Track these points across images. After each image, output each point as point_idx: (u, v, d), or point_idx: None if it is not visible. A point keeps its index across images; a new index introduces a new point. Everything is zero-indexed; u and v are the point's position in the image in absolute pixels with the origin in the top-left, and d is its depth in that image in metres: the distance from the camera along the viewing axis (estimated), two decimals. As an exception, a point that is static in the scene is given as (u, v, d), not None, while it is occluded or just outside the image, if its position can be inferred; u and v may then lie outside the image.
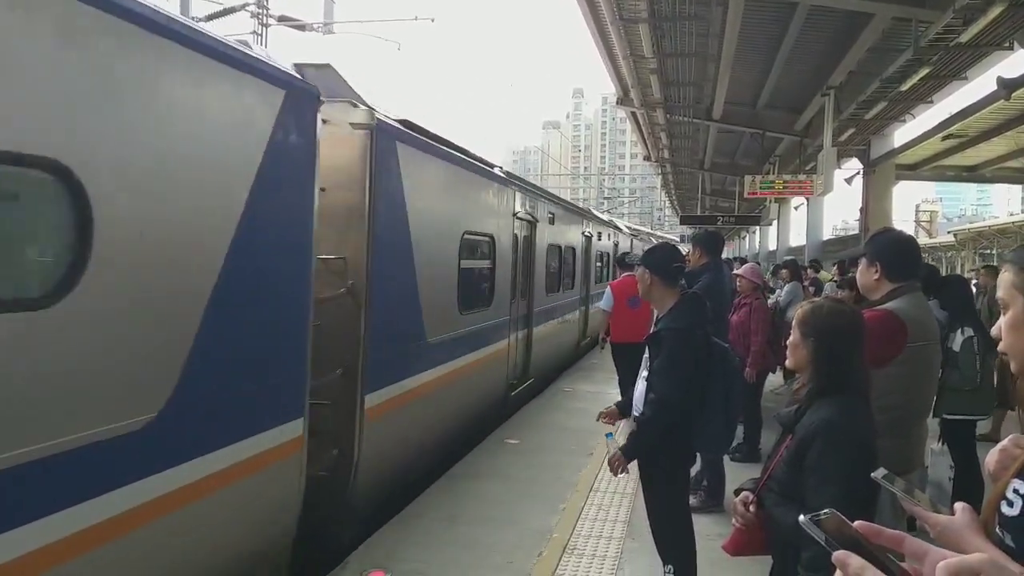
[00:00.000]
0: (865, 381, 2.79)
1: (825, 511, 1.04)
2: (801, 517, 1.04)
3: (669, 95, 15.95)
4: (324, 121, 4.84)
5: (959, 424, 6.11)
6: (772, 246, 31.30)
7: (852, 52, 11.74)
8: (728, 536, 3.04)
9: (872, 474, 1.29)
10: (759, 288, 8.02)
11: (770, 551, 2.92)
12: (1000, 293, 1.44)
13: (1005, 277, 1.43)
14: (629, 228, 27.86)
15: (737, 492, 2.95)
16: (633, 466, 4.24)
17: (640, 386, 4.23)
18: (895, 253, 3.64)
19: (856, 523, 0.99)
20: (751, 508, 2.83)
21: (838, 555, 0.94)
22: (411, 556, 5.16)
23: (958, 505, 1.12)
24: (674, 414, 4.01)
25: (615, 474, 4.15)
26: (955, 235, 33.76)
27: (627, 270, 9.60)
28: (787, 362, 2.93)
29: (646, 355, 4.25)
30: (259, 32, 16.40)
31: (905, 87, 12.41)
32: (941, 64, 11.25)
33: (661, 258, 4.33)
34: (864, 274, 3.68)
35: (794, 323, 2.88)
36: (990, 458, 1.40)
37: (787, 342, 2.92)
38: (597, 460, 7.62)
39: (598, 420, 4.51)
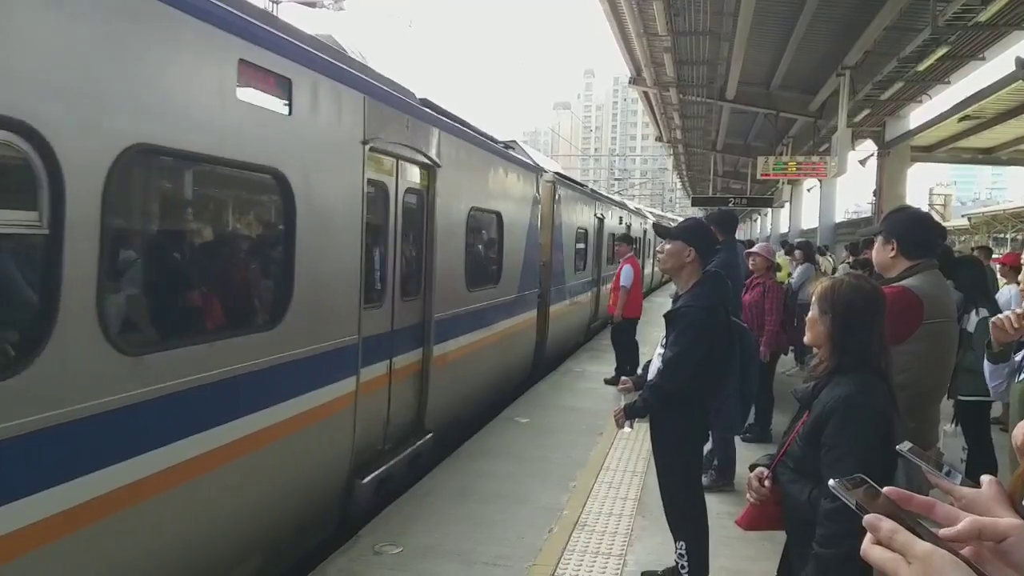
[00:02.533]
0: (884, 358, 2.76)
1: (856, 475, 1.03)
2: (831, 481, 1.03)
3: (682, 74, 15.83)
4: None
5: (973, 405, 6.08)
6: (784, 228, 31.13)
7: (869, 31, 11.60)
8: (742, 511, 3.04)
9: (898, 447, 1.28)
10: (773, 268, 7.99)
11: (784, 527, 2.93)
12: None
13: None
14: (637, 209, 27.84)
15: (752, 468, 2.94)
16: (647, 443, 4.26)
17: (656, 363, 4.24)
18: (911, 230, 3.59)
19: (886, 488, 0.98)
20: (766, 483, 2.84)
21: (869, 518, 0.92)
22: (423, 532, 5.20)
23: (984, 478, 1.11)
24: (679, 385, 4.03)
25: (619, 427, 4.35)
26: (969, 219, 33.47)
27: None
28: (805, 338, 2.90)
29: (663, 334, 4.26)
30: (271, 9, 16.33)
31: (922, 67, 12.28)
32: (959, 44, 11.13)
33: (705, 236, 4.32)
34: (880, 252, 3.64)
35: (813, 299, 2.86)
36: (1018, 431, 1.38)
37: (806, 318, 2.90)
38: (607, 440, 7.64)
39: (618, 388, 4.53)
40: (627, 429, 4.38)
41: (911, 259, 3.51)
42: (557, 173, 12.59)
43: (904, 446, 1.30)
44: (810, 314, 2.86)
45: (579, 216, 14.09)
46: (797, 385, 2.96)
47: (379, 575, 4.57)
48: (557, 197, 11.91)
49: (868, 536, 0.94)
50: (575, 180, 15.09)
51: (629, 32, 13.98)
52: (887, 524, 0.90)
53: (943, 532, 0.90)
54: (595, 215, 15.73)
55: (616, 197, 24.27)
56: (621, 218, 20.04)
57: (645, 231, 25.53)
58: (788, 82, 16.66)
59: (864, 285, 2.84)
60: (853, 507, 0.97)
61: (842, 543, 2.48)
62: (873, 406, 2.63)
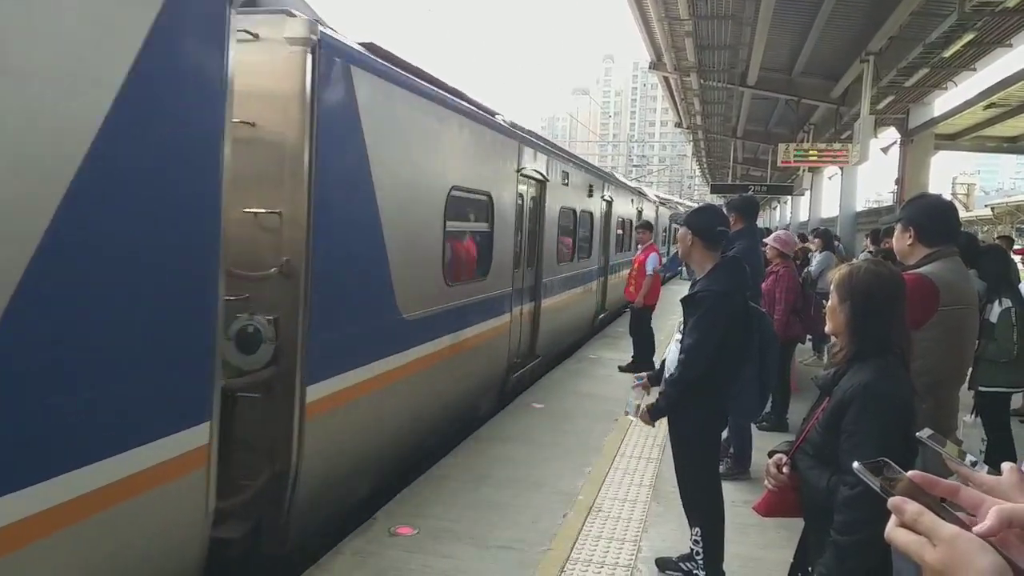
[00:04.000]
0: (905, 344, 2.74)
1: (879, 459, 1.02)
2: (855, 464, 1.02)
3: (703, 59, 15.67)
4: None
5: (994, 397, 6.03)
6: (804, 216, 30.86)
7: (894, 17, 11.41)
8: (759, 497, 3.04)
9: (917, 433, 1.27)
10: (787, 257, 7.91)
11: (801, 514, 2.91)
12: None
13: None
14: (658, 197, 27.59)
15: (771, 454, 2.93)
16: (663, 430, 4.25)
17: (674, 349, 4.22)
18: (930, 217, 3.58)
19: (911, 472, 0.97)
20: (784, 470, 2.82)
21: (894, 501, 0.92)
22: (438, 514, 5.23)
23: (1005, 465, 1.09)
24: (702, 371, 4.01)
25: (649, 424, 4.35)
26: (992, 208, 33.04)
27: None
28: (827, 327, 2.88)
29: (680, 320, 4.24)
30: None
31: (948, 53, 12.07)
32: (986, 30, 10.92)
33: (705, 220, 4.29)
34: (899, 239, 3.66)
35: (832, 286, 2.85)
36: None
37: (826, 306, 2.88)
38: (622, 426, 7.63)
39: (632, 386, 4.49)
40: (651, 430, 4.40)
41: (929, 246, 3.50)
42: (552, 146, 11.24)
43: (924, 433, 1.29)
44: (829, 302, 2.84)
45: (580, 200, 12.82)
46: (818, 372, 2.94)
47: (394, 556, 4.60)
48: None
49: (892, 519, 0.93)
50: (571, 154, 13.43)
51: (650, 16, 13.85)
52: (912, 506, 0.90)
53: (976, 529, 0.89)
54: (602, 198, 14.63)
55: (620, 176, 22.29)
56: (633, 200, 19.10)
57: (657, 217, 24.28)
58: (810, 68, 16.45)
59: (883, 271, 2.81)
60: (877, 490, 0.96)
61: (861, 530, 2.47)
62: (893, 393, 2.61)
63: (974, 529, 0.89)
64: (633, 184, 23.20)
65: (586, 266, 13.34)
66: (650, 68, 18.41)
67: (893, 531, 0.92)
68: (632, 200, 19.03)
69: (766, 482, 2.92)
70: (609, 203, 15.21)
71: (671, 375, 4.13)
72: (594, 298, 14.61)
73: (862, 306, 2.70)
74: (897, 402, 2.60)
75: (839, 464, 2.59)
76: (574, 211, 12.04)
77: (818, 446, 2.72)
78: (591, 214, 13.48)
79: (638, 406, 4.30)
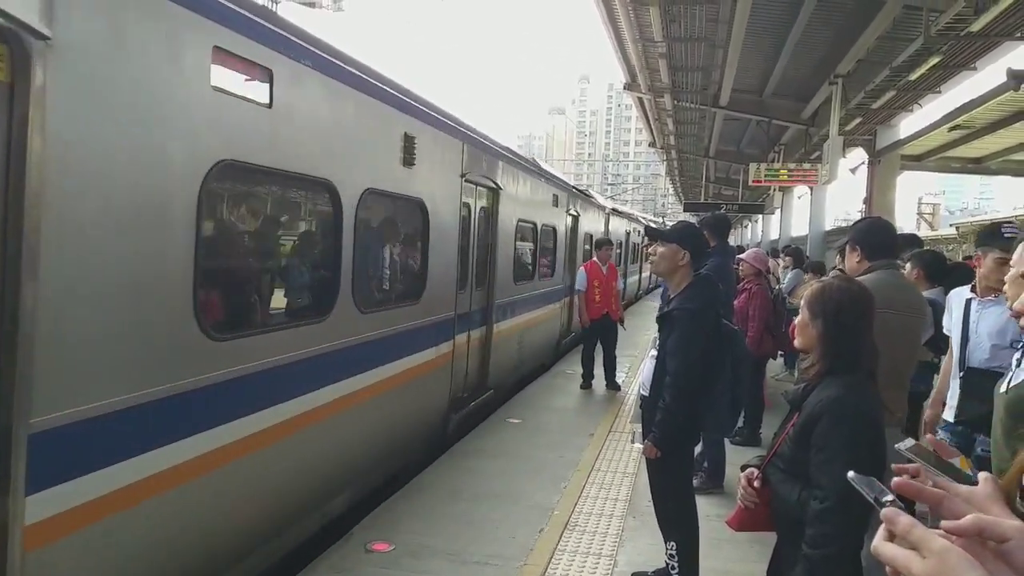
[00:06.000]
0: (874, 358, 2.80)
1: (869, 477, 1.06)
2: (850, 474, 1.07)
3: (677, 80, 15.88)
4: None
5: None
6: (775, 235, 31.24)
7: (861, 40, 11.67)
8: (732, 512, 3.08)
9: (896, 445, 1.32)
10: (760, 274, 8.05)
11: (773, 528, 2.96)
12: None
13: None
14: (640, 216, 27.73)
15: (743, 469, 2.98)
16: (637, 443, 4.28)
17: (649, 365, 4.27)
18: (873, 236, 4.22)
19: (896, 480, 1.00)
20: (755, 485, 2.87)
21: (888, 511, 0.94)
22: (415, 529, 5.22)
23: (982, 475, 1.14)
24: (693, 394, 4.06)
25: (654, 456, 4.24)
26: (957, 228, 33.70)
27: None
28: (796, 342, 2.94)
29: (655, 336, 4.29)
30: (271, 7, 16.33)
31: (914, 76, 12.35)
32: (951, 54, 11.19)
33: (698, 239, 4.38)
34: (850, 258, 4.25)
35: (803, 302, 2.90)
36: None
37: (795, 322, 2.94)
38: (598, 440, 7.68)
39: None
40: (638, 445, 4.40)
41: (872, 261, 4.07)
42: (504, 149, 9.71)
43: (904, 444, 1.33)
44: (799, 318, 2.89)
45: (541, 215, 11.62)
46: (788, 387, 3.00)
47: (370, 573, 4.58)
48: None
49: (880, 532, 0.95)
50: (532, 162, 11.89)
51: (625, 38, 14.02)
52: (905, 518, 0.92)
53: (944, 524, 0.92)
54: (568, 212, 13.69)
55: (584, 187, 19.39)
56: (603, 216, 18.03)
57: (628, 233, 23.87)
58: (781, 90, 16.74)
59: (853, 287, 2.88)
60: (871, 500, 1.00)
61: (831, 544, 2.52)
62: (862, 408, 2.66)
63: (942, 524, 0.92)
64: (606, 201, 22.22)
65: (549, 285, 12.36)
66: (624, 89, 18.60)
67: (881, 545, 0.94)
68: (599, 215, 18.18)
69: (739, 497, 2.96)
70: (575, 217, 14.47)
71: (662, 400, 4.15)
72: (558, 320, 13.57)
73: (834, 322, 2.75)
74: (865, 417, 2.65)
75: (809, 478, 2.64)
76: (534, 225, 11.02)
77: (789, 460, 2.76)
78: (554, 229, 12.58)
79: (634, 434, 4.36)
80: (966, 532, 0.92)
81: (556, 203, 12.41)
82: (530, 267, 11.19)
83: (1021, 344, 2.56)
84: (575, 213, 14.33)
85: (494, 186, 8.78)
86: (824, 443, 2.61)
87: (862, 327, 2.77)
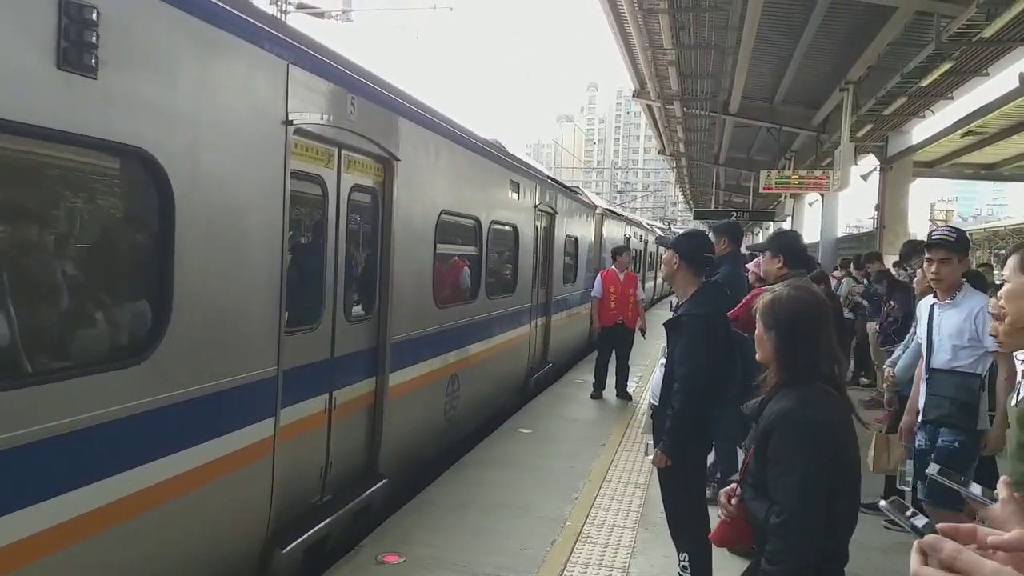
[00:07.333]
0: (836, 364, 2.72)
1: (895, 498, 1.05)
2: (882, 503, 1.05)
3: (686, 88, 15.87)
4: None
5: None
6: (786, 242, 31.13)
7: (872, 46, 11.64)
8: (714, 528, 3.07)
9: (927, 471, 1.31)
10: (766, 282, 7.97)
11: (753, 542, 2.90)
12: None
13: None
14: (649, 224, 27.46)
15: (727, 483, 2.96)
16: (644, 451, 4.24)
17: (659, 374, 4.24)
18: (795, 248, 5.14)
19: (939, 526, 0.99)
20: (733, 501, 2.81)
21: (930, 539, 0.93)
22: (425, 541, 5.18)
23: (1002, 491, 1.12)
24: (702, 400, 4.02)
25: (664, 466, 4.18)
26: (970, 235, 33.61)
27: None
28: (756, 356, 2.83)
29: (664, 344, 4.26)
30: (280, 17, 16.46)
31: (925, 82, 12.30)
32: (963, 59, 11.15)
33: (691, 245, 4.37)
34: (769, 263, 5.02)
35: (757, 315, 2.80)
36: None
37: (754, 335, 2.83)
38: (610, 451, 7.63)
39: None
40: (647, 460, 4.41)
41: (791, 269, 4.85)
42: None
43: (933, 469, 1.34)
44: (756, 331, 2.80)
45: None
46: (749, 402, 2.94)
47: (381, 584, 4.54)
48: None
49: (917, 556, 0.94)
50: (473, 134, 8.28)
51: (634, 45, 14.04)
52: (949, 544, 0.91)
53: (992, 540, 0.91)
54: (539, 208, 10.71)
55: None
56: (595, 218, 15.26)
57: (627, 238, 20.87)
58: (791, 96, 16.72)
59: (805, 295, 2.79)
60: (908, 528, 0.99)
61: (787, 560, 2.47)
62: (815, 419, 2.56)
63: (990, 540, 0.91)
64: (598, 200, 18.90)
65: (507, 306, 9.30)
66: (634, 96, 18.64)
67: (921, 570, 0.93)
68: (588, 217, 15.24)
69: (720, 511, 2.92)
70: (551, 216, 11.61)
71: (672, 407, 4.12)
72: (525, 351, 10.41)
73: (788, 332, 2.66)
74: (818, 427, 2.55)
75: (768, 493, 2.57)
76: (477, 223, 8.14)
77: (755, 475, 2.69)
78: (516, 229, 9.59)
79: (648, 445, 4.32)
80: (1011, 547, 0.91)
81: (519, 196, 9.67)
82: (467, 282, 8.25)
83: None
84: (550, 210, 11.44)
85: (387, 155, 5.70)
86: (778, 457, 2.54)
87: (818, 335, 2.67)
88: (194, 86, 3.61)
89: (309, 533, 4.66)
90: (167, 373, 3.48)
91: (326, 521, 4.86)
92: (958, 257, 4.47)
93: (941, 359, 4.49)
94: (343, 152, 5.17)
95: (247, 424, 4.11)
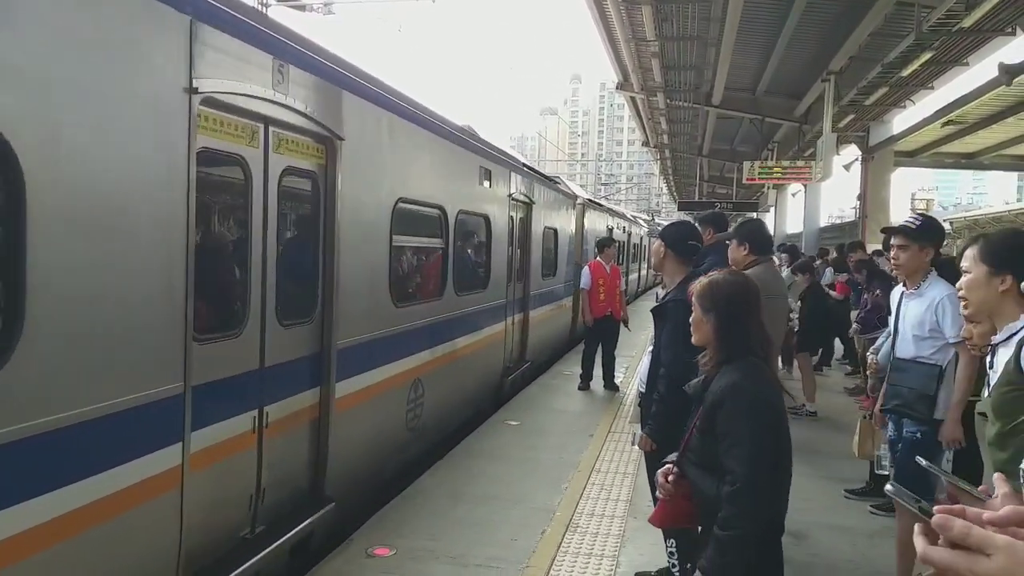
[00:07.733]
0: (766, 344, 2.91)
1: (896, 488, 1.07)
2: (888, 487, 1.07)
3: (669, 79, 15.90)
4: None
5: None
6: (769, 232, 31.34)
7: (853, 37, 11.70)
8: (653, 510, 3.14)
9: (916, 458, 1.33)
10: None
11: (695, 523, 2.98)
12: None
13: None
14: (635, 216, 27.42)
15: (662, 464, 3.04)
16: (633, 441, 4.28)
17: (646, 361, 4.28)
18: (760, 236, 5.33)
19: (937, 508, 0.98)
20: (670, 479, 2.92)
21: (940, 520, 0.92)
22: (416, 533, 5.20)
23: (998, 483, 1.14)
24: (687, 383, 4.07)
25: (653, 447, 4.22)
26: (951, 223, 33.88)
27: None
28: (693, 339, 2.99)
29: (651, 333, 4.30)
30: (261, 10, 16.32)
31: (906, 72, 12.41)
32: (943, 49, 11.25)
33: (677, 234, 4.50)
34: (736, 251, 5.19)
35: (694, 299, 2.97)
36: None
37: (690, 320, 2.98)
38: (598, 441, 7.67)
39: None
40: (632, 449, 4.46)
41: (756, 255, 5.11)
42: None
43: (922, 461, 1.35)
44: (693, 315, 2.96)
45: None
46: (690, 381, 3.04)
47: (373, 577, 4.56)
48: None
49: (922, 538, 0.94)
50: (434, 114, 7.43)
51: (617, 37, 14.03)
52: (959, 523, 0.90)
53: (987, 516, 0.91)
54: (514, 197, 10.00)
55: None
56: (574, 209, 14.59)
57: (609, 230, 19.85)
58: (774, 88, 16.77)
59: (740, 279, 3.02)
60: (915, 511, 0.99)
61: (739, 525, 2.57)
62: (760, 392, 2.73)
63: (984, 516, 0.92)
64: (579, 190, 18.05)
65: (479, 303, 8.70)
66: (617, 88, 18.64)
67: (931, 551, 0.92)
68: (568, 208, 14.56)
69: (658, 492, 2.99)
70: (527, 206, 10.99)
71: (656, 391, 4.16)
72: (501, 349, 9.91)
73: (726, 313, 2.84)
74: (764, 400, 2.72)
75: (720, 465, 2.66)
76: (443, 213, 7.42)
77: (699, 452, 2.82)
78: (487, 220, 9.00)
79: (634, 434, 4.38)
80: (1005, 522, 0.92)
81: (491, 184, 8.97)
82: (431, 278, 7.62)
83: (990, 347, 2.61)
84: (526, 200, 10.80)
85: (328, 134, 5.01)
86: (728, 429, 2.67)
87: (751, 315, 2.88)
88: (54, 41, 2.88)
89: (233, 575, 3.94)
90: (18, 399, 2.77)
91: (256, 559, 4.14)
92: (919, 245, 4.40)
93: (904, 349, 4.52)
94: (271, 129, 4.42)
95: (141, 455, 3.37)
